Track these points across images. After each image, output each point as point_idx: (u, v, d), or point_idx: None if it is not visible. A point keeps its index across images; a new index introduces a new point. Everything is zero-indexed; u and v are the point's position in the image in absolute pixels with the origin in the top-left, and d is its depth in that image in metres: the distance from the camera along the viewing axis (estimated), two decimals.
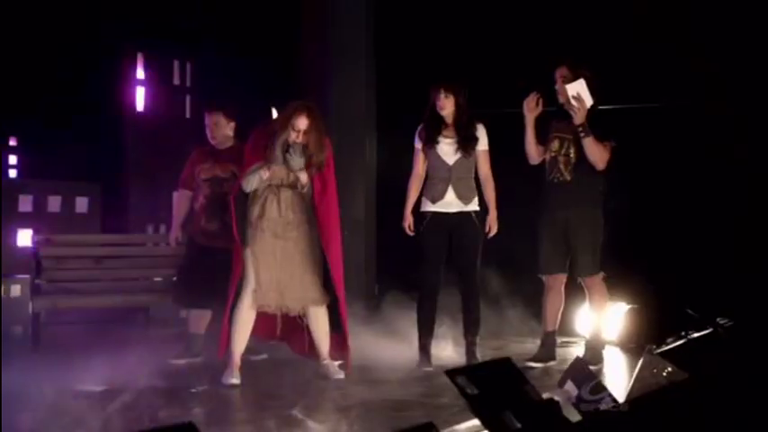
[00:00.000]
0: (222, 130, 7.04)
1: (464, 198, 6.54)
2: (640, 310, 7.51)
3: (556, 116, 6.71)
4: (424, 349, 6.62)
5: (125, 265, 7.96)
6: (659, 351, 4.23)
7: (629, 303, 7.54)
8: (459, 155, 6.53)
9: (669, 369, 4.03)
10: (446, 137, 6.57)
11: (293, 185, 6.20)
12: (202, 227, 6.99)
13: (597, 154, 6.45)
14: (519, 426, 3.02)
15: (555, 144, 6.64)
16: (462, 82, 6.67)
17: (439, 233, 6.58)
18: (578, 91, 6.40)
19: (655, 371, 4.06)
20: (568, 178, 6.58)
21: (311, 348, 6.39)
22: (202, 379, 6.16)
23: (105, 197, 9.40)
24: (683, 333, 4.70)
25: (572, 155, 6.56)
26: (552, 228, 6.64)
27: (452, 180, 6.53)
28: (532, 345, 7.51)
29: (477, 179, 6.74)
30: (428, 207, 6.63)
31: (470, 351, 6.59)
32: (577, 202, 6.54)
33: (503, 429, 2.97)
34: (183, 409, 5.34)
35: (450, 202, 6.55)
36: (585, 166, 6.54)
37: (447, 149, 6.55)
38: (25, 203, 9.09)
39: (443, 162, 6.56)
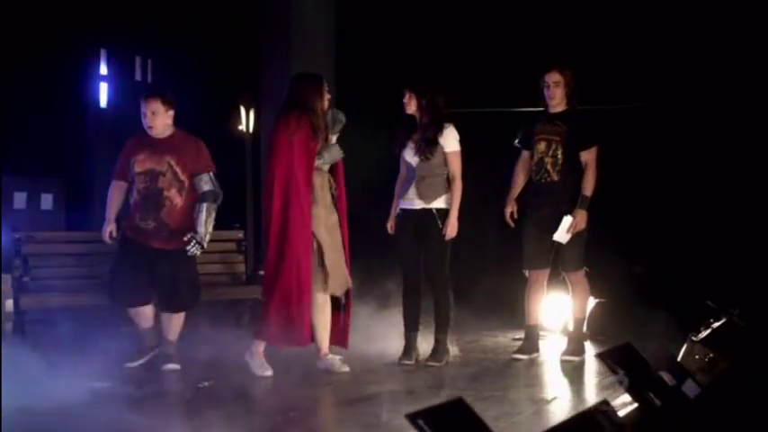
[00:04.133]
0: (160, 118, 6.45)
1: (426, 197, 6.57)
2: (608, 303, 7.80)
3: (540, 118, 6.88)
4: (408, 343, 6.65)
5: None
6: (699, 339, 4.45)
7: (596, 297, 7.77)
8: (417, 157, 6.56)
9: (711, 355, 4.25)
10: (413, 140, 6.60)
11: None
12: (137, 225, 6.47)
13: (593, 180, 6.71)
14: None
15: (541, 146, 6.78)
16: (429, 83, 6.67)
17: (407, 229, 6.65)
18: (567, 231, 6.66)
19: (697, 357, 4.29)
20: (556, 179, 6.74)
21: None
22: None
23: (69, 193, 9.32)
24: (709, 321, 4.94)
25: (559, 156, 6.72)
26: (538, 225, 6.80)
27: (416, 179, 6.58)
28: (504, 338, 7.81)
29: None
30: (400, 204, 6.72)
31: (435, 349, 6.62)
32: (564, 201, 6.70)
33: None
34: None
35: (412, 200, 6.62)
36: (572, 166, 6.72)
37: (409, 152, 6.62)
38: None
39: (408, 163, 6.65)
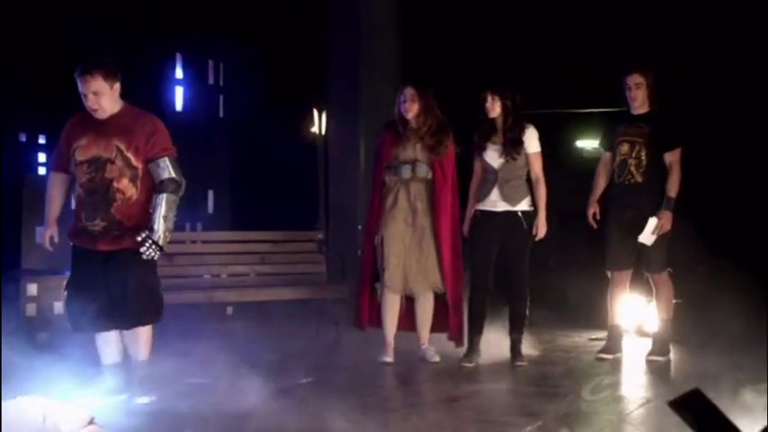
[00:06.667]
0: (106, 98, 5.28)
1: (510, 199, 6.64)
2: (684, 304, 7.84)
3: (622, 120, 6.96)
4: (472, 345, 6.73)
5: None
6: None
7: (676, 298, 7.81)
8: (503, 159, 6.64)
9: None
10: (494, 142, 6.68)
11: (420, 178, 6.66)
12: (82, 228, 5.37)
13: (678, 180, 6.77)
14: None
15: (624, 147, 6.85)
16: (510, 84, 6.77)
17: (486, 231, 6.69)
18: (652, 233, 6.72)
19: None
20: (640, 180, 6.81)
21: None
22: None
23: None
24: None
25: (643, 157, 6.79)
26: (621, 226, 6.86)
27: (498, 182, 6.65)
28: (580, 338, 7.90)
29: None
30: (477, 206, 6.77)
31: (515, 349, 6.74)
32: (648, 202, 6.76)
33: None
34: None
35: (495, 202, 6.67)
36: (656, 168, 6.79)
37: (492, 154, 6.68)
38: None
39: (490, 165, 6.70)
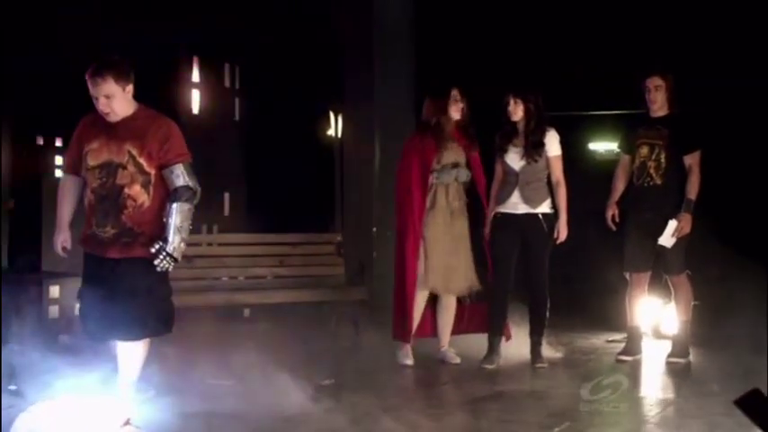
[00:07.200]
0: (118, 100, 5.06)
1: (531, 201, 6.67)
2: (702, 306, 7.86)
3: (641, 122, 6.98)
4: (492, 347, 6.75)
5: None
6: None
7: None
8: (524, 161, 6.67)
9: None
10: (515, 144, 6.72)
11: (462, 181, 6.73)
12: (93, 234, 5.17)
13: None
14: None
15: (644, 150, 6.88)
16: (532, 87, 6.80)
17: (507, 233, 6.70)
18: (672, 235, 6.74)
19: None
20: (659, 182, 6.83)
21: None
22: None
23: None
24: None
25: (662, 160, 6.81)
26: (640, 228, 6.88)
27: (519, 184, 6.68)
28: (597, 340, 7.92)
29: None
30: (497, 208, 6.80)
31: (535, 351, 6.77)
32: (667, 205, 6.79)
33: None
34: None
35: (516, 204, 6.70)
36: (676, 170, 6.82)
37: (513, 156, 6.71)
38: None
39: (511, 168, 6.73)
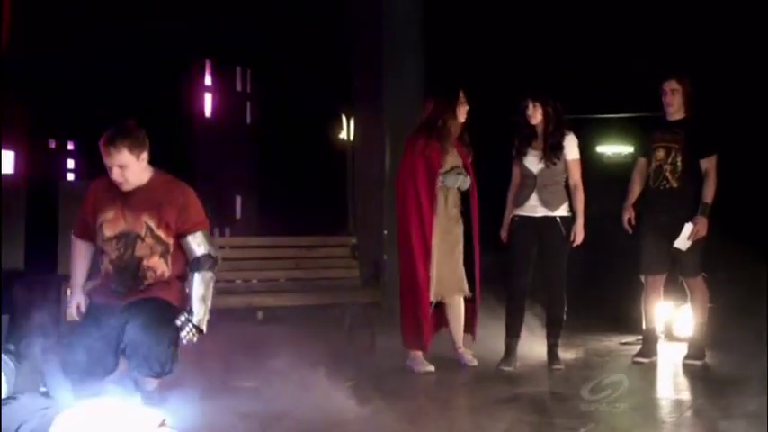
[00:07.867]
0: (132, 170, 4.91)
1: (549, 204, 6.69)
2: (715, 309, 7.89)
3: (658, 126, 7.02)
4: (508, 350, 6.76)
5: None
6: None
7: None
8: (543, 164, 6.70)
9: None
10: (534, 148, 6.74)
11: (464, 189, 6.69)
12: (111, 291, 5.00)
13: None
14: None
15: (660, 153, 6.91)
16: (550, 91, 6.83)
17: (525, 236, 6.73)
18: (687, 238, 6.77)
19: None
20: (675, 186, 6.86)
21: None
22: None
23: None
24: None
25: (679, 163, 6.84)
26: (656, 230, 6.91)
27: (537, 187, 6.70)
28: (611, 342, 7.95)
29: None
30: (515, 211, 6.82)
31: (552, 352, 6.80)
32: (683, 207, 6.82)
33: None
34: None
35: (534, 207, 6.72)
36: (692, 173, 6.85)
37: (532, 159, 6.73)
38: None
39: (529, 171, 6.75)
